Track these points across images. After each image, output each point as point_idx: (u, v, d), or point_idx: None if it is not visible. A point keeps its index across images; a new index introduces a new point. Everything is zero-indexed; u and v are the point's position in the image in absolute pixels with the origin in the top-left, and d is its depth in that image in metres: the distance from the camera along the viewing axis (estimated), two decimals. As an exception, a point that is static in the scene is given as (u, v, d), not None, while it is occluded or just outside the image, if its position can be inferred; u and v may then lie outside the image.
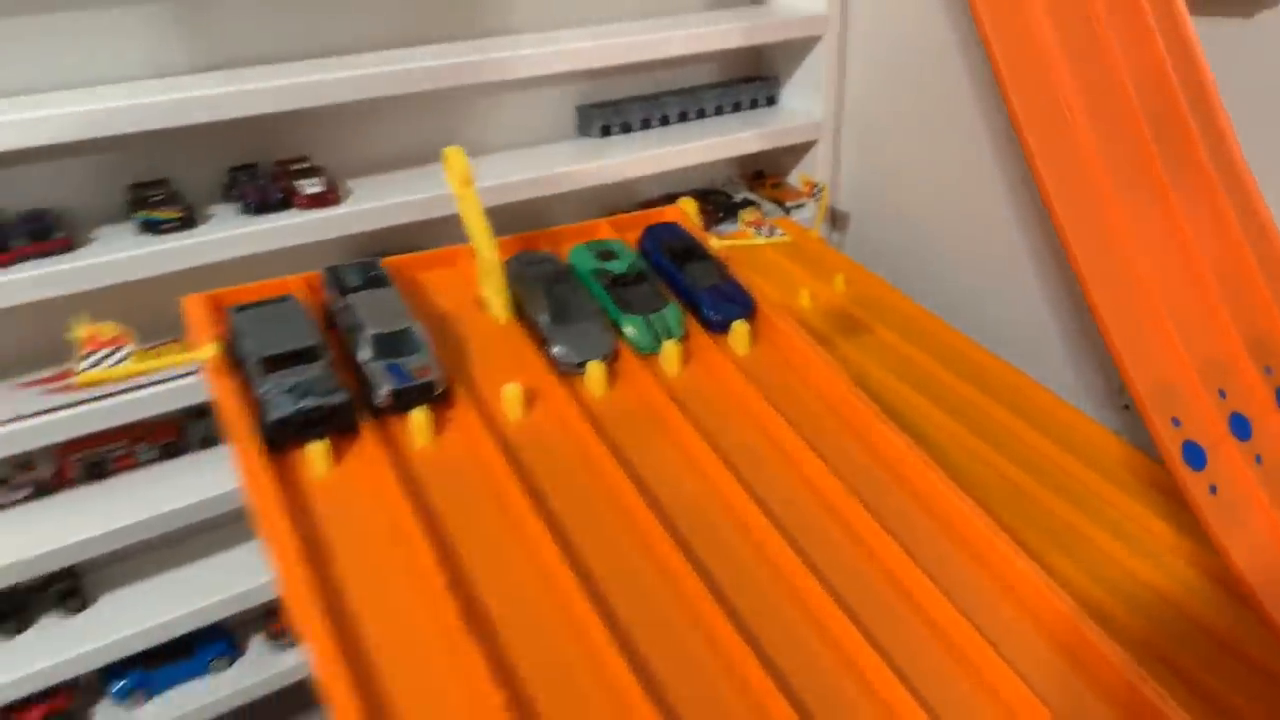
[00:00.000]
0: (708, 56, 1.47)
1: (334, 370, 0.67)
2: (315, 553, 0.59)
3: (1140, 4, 0.81)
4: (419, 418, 0.68)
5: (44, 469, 1.12)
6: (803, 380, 0.78)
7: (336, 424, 0.65)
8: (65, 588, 1.15)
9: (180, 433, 1.19)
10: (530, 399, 0.72)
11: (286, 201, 1.09)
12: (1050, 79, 0.78)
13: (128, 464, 1.16)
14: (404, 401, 0.68)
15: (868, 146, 1.45)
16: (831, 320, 1.21)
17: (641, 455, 0.70)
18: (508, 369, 0.75)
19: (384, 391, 0.68)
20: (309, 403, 0.63)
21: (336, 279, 0.76)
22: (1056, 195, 0.77)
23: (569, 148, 1.34)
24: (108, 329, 0.66)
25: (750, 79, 1.49)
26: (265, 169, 1.16)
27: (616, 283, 0.82)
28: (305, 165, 1.16)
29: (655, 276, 0.84)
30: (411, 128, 1.26)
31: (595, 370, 0.74)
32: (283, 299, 0.72)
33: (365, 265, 0.78)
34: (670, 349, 0.77)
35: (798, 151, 1.51)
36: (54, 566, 1.08)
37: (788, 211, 1.46)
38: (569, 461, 0.69)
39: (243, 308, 0.70)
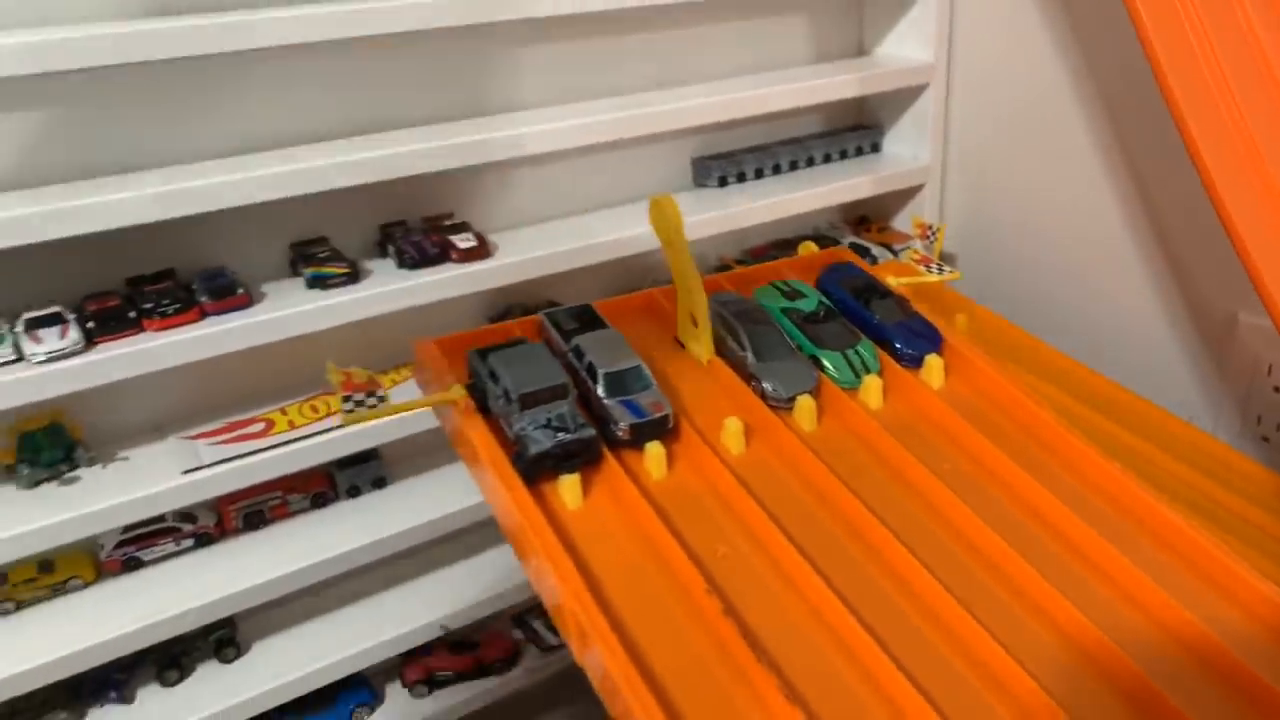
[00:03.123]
0: (813, 107, 1.52)
1: (579, 406, 0.70)
2: (587, 574, 0.61)
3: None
4: (655, 450, 0.70)
5: (205, 519, 1.15)
6: (1002, 412, 0.80)
7: (585, 458, 0.68)
8: (223, 636, 1.17)
9: (330, 483, 1.22)
10: (748, 433, 0.75)
11: (442, 256, 1.14)
12: (1222, 98, 0.80)
13: (282, 513, 1.19)
14: (641, 435, 0.71)
15: (975, 187, 1.49)
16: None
17: (862, 484, 0.71)
18: (720, 405, 0.77)
19: (624, 426, 0.71)
20: (565, 437, 0.66)
21: (556, 323, 0.80)
22: (1245, 231, 0.78)
23: (689, 198, 1.38)
24: (359, 374, 0.69)
25: (854, 128, 1.54)
26: (415, 225, 1.20)
27: (808, 320, 0.85)
28: (453, 221, 1.21)
29: (842, 314, 0.87)
30: (540, 183, 1.31)
31: (805, 404, 0.77)
32: (519, 341, 0.76)
33: (578, 310, 0.82)
34: (871, 382, 0.80)
35: (901, 196, 1.54)
36: (220, 615, 1.10)
37: (896, 255, 1.49)
38: (796, 490, 0.71)
39: (483, 351, 0.73)
